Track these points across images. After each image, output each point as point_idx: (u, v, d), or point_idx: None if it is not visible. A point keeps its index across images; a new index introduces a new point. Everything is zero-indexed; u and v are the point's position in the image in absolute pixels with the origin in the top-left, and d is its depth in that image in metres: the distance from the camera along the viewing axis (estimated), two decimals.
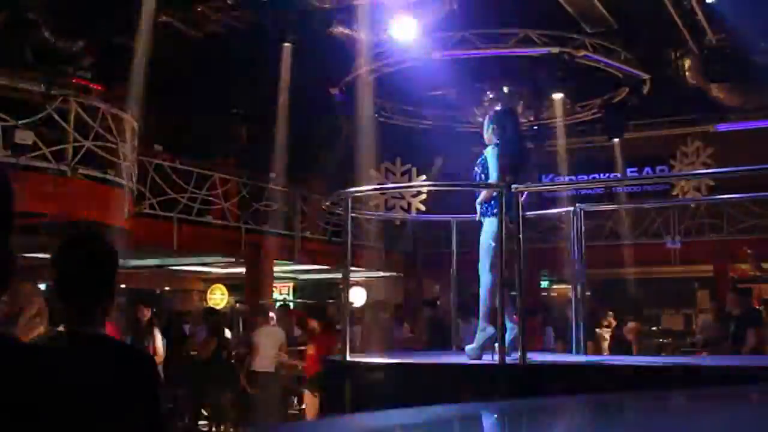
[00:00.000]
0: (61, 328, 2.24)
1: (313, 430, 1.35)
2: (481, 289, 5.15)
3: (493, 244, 5.05)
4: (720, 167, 12.67)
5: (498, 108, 5.67)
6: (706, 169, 14.14)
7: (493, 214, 5.09)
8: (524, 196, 4.95)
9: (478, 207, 5.29)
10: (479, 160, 5.36)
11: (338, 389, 5.03)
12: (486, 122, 5.54)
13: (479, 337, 5.04)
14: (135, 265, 13.51)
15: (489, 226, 5.15)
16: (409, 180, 14.57)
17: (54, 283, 2.22)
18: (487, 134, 5.45)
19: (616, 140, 15.52)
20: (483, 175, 5.27)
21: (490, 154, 5.27)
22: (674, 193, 15.09)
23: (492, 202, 5.11)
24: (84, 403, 1.82)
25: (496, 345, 4.72)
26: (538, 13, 12.32)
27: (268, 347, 9.71)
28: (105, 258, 2.28)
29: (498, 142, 5.32)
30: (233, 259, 14.12)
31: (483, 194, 5.24)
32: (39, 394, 1.49)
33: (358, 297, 16.42)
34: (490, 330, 4.94)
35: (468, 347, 5.14)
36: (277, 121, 12.93)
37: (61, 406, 1.55)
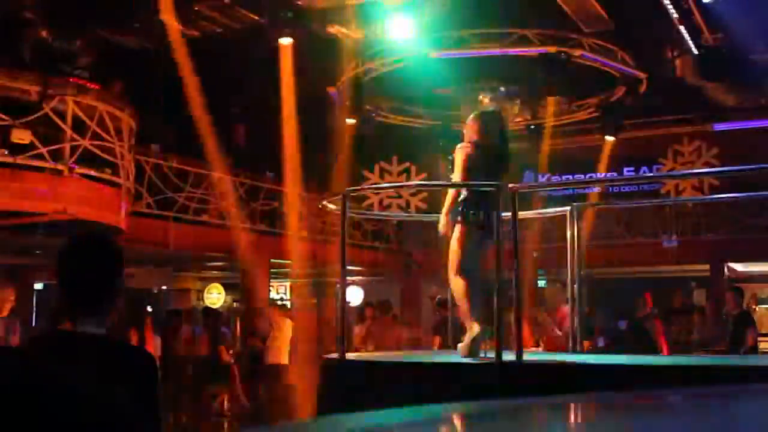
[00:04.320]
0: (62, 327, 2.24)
1: (312, 430, 1.35)
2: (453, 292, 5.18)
3: (457, 246, 5.08)
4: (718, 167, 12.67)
5: (485, 109, 5.51)
6: (709, 168, 14.05)
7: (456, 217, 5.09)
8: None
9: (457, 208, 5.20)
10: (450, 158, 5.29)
11: (336, 388, 5.02)
12: (469, 120, 5.40)
13: (467, 336, 5.05)
14: (131, 264, 13.47)
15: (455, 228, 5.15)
16: (407, 179, 14.57)
17: (58, 282, 2.22)
18: (468, 133, 5.33)
19: (613, 139, 15.48)
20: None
21: (457, 153, 5.20)
22: (663, 191, 14.95)
23: (461, 205, 5.09)
24: (83, 403, 1.82)
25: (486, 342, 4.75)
26: (534, 12, 12.31)
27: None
28: (110, 258, 2.28)
29: (477, 141, 5.23)
30: (230, 259, 14.10)
31: (451, 195, 5.19)
32: (37, 395, 1.49)
33: (355, 297, 16.41)
34: (476, 327, 4.94)
35: (459, 345, 5.15)
36: (274, 120, 12.90)
37: (60, 406, 1.55)
